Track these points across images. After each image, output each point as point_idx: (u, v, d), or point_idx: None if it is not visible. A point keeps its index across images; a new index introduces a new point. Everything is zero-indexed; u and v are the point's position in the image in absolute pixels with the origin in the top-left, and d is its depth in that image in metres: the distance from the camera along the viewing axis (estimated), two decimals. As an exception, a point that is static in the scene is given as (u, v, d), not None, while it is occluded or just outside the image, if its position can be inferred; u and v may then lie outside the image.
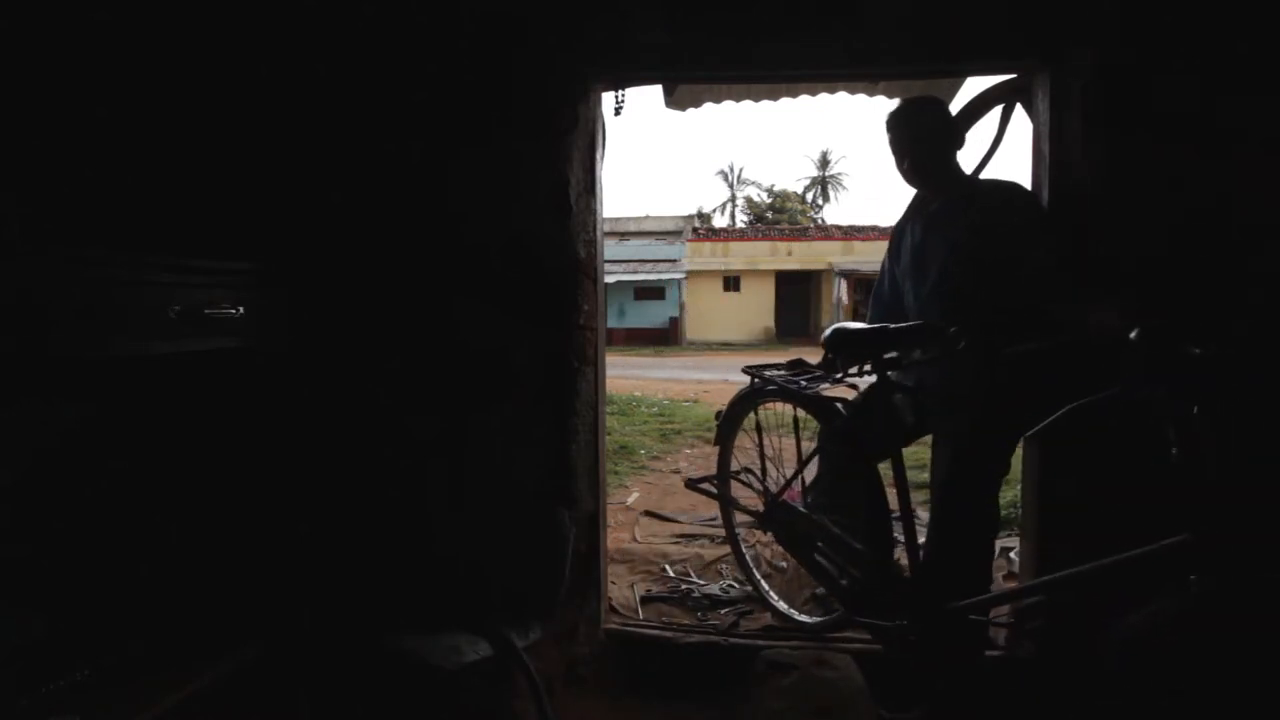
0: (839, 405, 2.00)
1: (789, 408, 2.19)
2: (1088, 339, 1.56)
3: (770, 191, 43.71)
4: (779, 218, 39.13)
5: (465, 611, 1.62)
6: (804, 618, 2.19)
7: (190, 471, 1.63)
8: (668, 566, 2.63)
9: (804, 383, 2.08)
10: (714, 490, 2.47)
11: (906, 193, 2.10)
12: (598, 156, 2.03)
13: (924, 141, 1.96)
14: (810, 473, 2.19)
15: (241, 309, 1.55)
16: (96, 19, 1.68)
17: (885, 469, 1.84)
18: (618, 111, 2.16)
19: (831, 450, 2.08)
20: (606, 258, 2.28)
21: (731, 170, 46.55)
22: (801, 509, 2.13)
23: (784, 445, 2.25)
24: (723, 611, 2.29)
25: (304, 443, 1.92)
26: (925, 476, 2.36)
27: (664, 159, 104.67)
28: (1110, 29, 1.76)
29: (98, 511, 1.45)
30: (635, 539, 3.15)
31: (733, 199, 44.11)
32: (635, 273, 24.10)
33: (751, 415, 2.35)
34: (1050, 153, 1.86)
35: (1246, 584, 1.17)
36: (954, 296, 1.88)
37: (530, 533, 1.84)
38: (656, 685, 2.00)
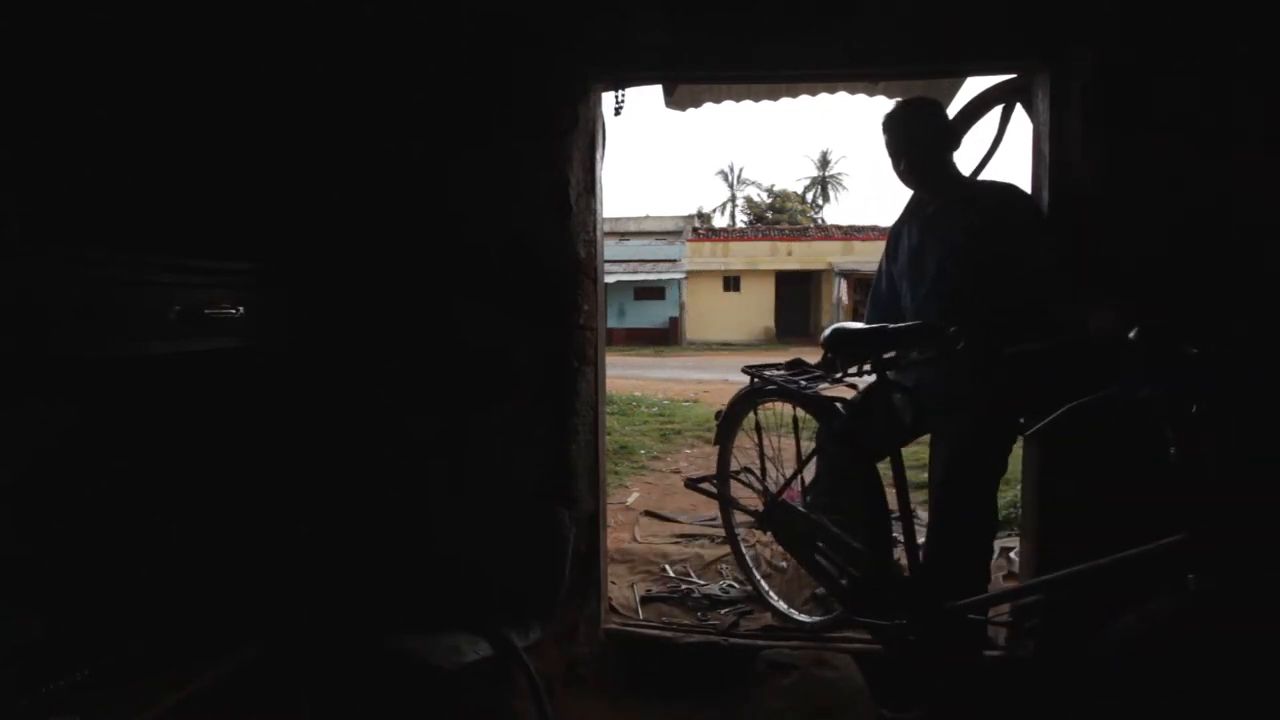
0: (838, 405, 2.00)
1: (789, 408, 2.19)
2: (1087, 339, 1.56)
3: (770, 191, 43.75)
4: (779, 218, 39.13)
5: (465, 611, 1.62)
6: (804, 617, 2.19)
7: (190, 471, 1.63)
8: (668, 566, 2.64)
9: (803, 382, 2.08)
10: (714, 490, 2.47)
11: (906, 193, 2.10)
12: (598, 156, 2.03)
13: (920, 143, 1.96)
14: (810, 472, 2.19)
15: (241, 309, 1.55)
16: (96, 19, 1.68)
17: (884, 469, 1.84)
18: (618, 111, 2.16)
19: (831, 450, 2.08)
20: (606, 258, 2.28)
21: (731, 170, 46.59)
22: (801, 509, 2.13)
23: (784, 445, 2.25)
24: (723, 611, 2.29)
25: (304, 443, 1.92)
26: (925, 476, 2.36)
27: (664, 159, 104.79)
28: (1110, 29, 1.76)
29: (97, 511, 1.45)
30: (635, 539, 3.16)
31: (733, 199, 44.15)
32: (635, 273, 24.10)
33: (751, 415, 2.35)
34: (1050, 153, 1.86)
35: (1244, 583, 1.17)
36: (952, 297, 1.88)
37: (530, 533, 1.84)
38: (656, 685, 2.00)
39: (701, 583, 2.50)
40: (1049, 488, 1.88)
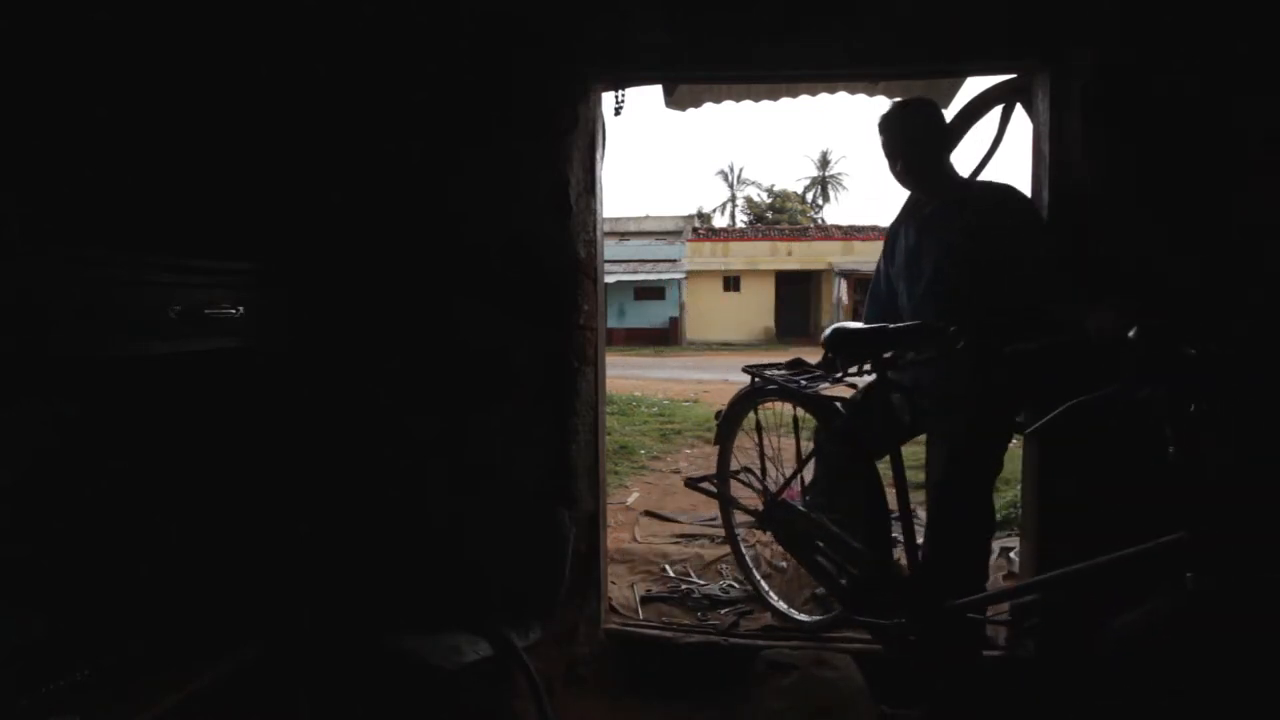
0: (838, 405, 2.00)
1: (789, 407, 2.19)
2: (1086, 339, 1.56)
3: (770, 191, 43.73)
4: (779, 218, 39.12)
5: (465, 611, 1.62)
6: (803, 617, 2.19)
7: (190, 471, 1.63)
8: (668, 566, 2.64)
9: (803, 382, 2.08)
10: (714, 490, 2.47)
11: (906, 193, 2.10)
12: (598, 156, 2.03)
13: (916, 143, 1.96)
14: (809, 472, 2.19)
15: (241, 309, 1.55)
16: (96, 19, 1.68)
17: (884, 468, 1.84)
18: (618, 111, 2.16)
19: (831, 449, 2.08)
20: (606, 258, 2.29)
21: (731, 170, 46.58)
22: (801, 508, 2.13)
23: (784, 445, 2.25)
24: (723, 611, 2.29)
25: (304, 443, 1.92)
26: (924, 476, 2.36)
27: (664, 159, 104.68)
28: (1110, 29, 1.76)
29: (97, 511, 1.45)
30: (635, 539, 3.16)
31: (733, 199, 44.13)
32: (635, 273, 24.09)
33: (751, 415, 2.35)
34: (1050, 153, 1.86)
35: (1243, 583, 1.17)
36: (949, 298, 1.88)
37: (530, 533, 1.84)
38: (656, 685, 2.00)
39: (701, 583, 2.50)
40: (1049, 487, 1.88)
